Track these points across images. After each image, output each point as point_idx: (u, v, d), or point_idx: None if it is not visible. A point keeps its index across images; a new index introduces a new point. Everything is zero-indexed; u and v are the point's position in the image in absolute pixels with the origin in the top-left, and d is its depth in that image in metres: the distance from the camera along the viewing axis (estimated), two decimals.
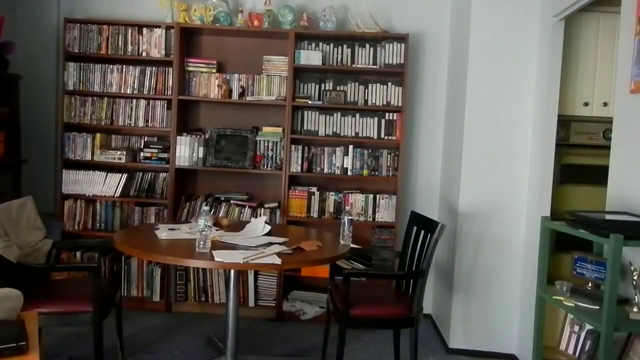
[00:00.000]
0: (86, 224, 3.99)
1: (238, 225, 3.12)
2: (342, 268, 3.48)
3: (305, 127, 3.94)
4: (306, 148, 3.93)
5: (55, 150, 4.10)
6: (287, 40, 3.84)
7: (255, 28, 3.89)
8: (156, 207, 3.99)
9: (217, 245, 2.58)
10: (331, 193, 3.95)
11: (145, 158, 3.97)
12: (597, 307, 1.97)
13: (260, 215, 3.74)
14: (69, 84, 3.93)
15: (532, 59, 3.30)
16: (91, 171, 3.95)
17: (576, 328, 2.17)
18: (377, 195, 3.92)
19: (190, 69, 3.96)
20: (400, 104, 3.86)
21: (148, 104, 3.96)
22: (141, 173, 4.01)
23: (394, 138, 3.90)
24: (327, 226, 3.81)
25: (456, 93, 3.70)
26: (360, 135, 3.93)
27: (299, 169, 3.92)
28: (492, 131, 3.36)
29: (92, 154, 3.97)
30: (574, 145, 3.28)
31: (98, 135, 3.98)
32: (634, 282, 1.89)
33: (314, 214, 3.93)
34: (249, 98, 3.92)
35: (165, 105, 3.95)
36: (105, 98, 3.96)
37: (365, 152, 3.93)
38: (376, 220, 3.92)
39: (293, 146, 3.90)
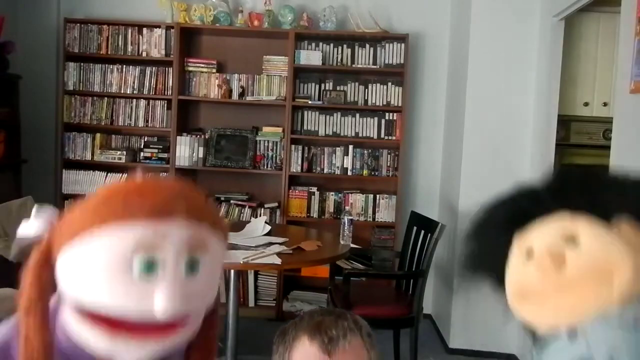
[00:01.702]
0: None
1: (238, 225, 3.12)
2: (342, 268, 3.48)
3: (305, 127, 3.94)
4: (306, 148, 3.93)
5: (55, 150, 4.09)
6: (287, 40, 3.84)
7: (255, 28, 3.89)
8: None
9: None
10: (331, 193, 3.94)
11: (145, 158, 3.97)
12: None
13: (260, 215, 3.74)
14: (69, 84, 3.93)
15: (532, 59, 3.30)
16: (91, 171, 3.95)
17: None
18: (377, 195, 3.91)
19: (190, 69, 3.96)
20: (400, 104, 3.86)
21: (148, 104, 3.96)
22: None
23: (394, 138, 3.90)
24: (327, 226, 3.80)
25: (456, 93, 3.70)
26: (360, 135, 3.92)
27: (299, 169, 3.92)
28: (492, 131, 3.36)
29: (92, 154, 3.97)
30: (574, 145, 3.28)
31: (98, 135, 3.98)
32: None
33: (314, 214, 3.93)
34: (249, 98, 3.92)
35: (165, 105, 3.95)
36: (105, 98, 3.96)
37: (365, 152, 3.93)
38: (376, 220, 3.91)
39: (293, 146, 3.90)
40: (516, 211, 0.95)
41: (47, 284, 0.76)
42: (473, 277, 1.02)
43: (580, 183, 0.90)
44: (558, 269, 0.82)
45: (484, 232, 0.99)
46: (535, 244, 0.87)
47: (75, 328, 0.75)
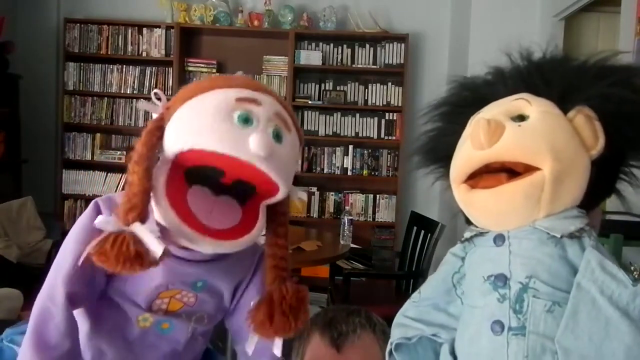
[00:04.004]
0: None
1: None
2: (342, 268, 3.48)
3: (305, 127, 3.93)
4: (306, 148, 3.93)
5: (55, 150, 4.09)
6: (287, 40, 3.84)
7: (255, 28, 3.89)
8: None
9: None
10: (331, 193, 3.95)
11: None
12: None
13: None
14: (69, 84, 3.93)
15: None
16: (91, 171, 3.95)
17: None
18: (377, 195, 3.91)
19: (190, 69, 3.96)
20: (400, 104, 3.86)
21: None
22: None
23: (394, 138, 3.90)
24: (327, 226, 3.80)
25: None
26: (360, 135, 3.93)
27: (299, 169, 3.92)
28: None
29: (92, 154, 3.97)
30: None
31: (98, 135, 3.98)
32: None
33: (314, 214, 3.93)
34: None
35: None
36: (105, 98, 3.96)
37: (365, 152, 3.93)
38: (376, 220, 3.92)
39: None
40: (477, 94, 0.90)
41: (155, 145, 0.88)
42: (426, 161, 1.00)
43: (546, 68, 0.84)
44: (492, 136, 0.75)
45: (442, 112, 0.95)
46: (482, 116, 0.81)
47: (158, 202, 0.84)
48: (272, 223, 0.95)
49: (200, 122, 0.84)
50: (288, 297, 0.91)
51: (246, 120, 0.84)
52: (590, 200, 0.80)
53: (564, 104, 0.78)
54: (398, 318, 0.93)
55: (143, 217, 0.82)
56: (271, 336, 0.93)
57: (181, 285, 0.96)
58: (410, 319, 0.91)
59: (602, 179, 0.80)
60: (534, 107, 0.78)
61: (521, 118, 0.78)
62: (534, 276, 0.75)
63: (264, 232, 0.97)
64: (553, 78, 0.81)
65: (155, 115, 0.92)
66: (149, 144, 0.87)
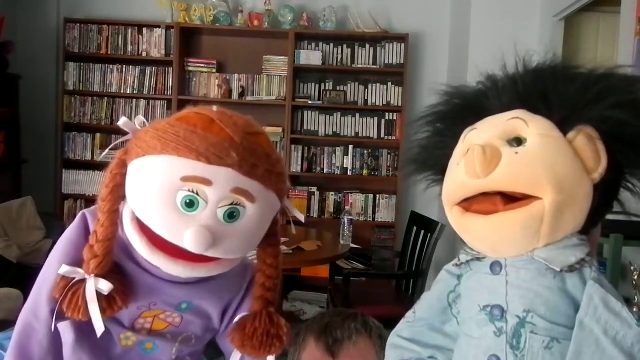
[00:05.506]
0: None
1: None
2: (342, 268, 3.48)
3: (305, 127, 3.94)
4: (306, 148, 3.93)
5: (55, 150, 4.09)
6: (287, 40, 3.84)
7: (255, 28, 3.89)
8: None
9: None
10: (331, 193, 3.94)
11: None
12: None
13: None
14: (69, 84, 3.93)
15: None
16: (91, 171, 3.95)
17: None
18: (377, 195, 3.91)
19: (190, 69, 3.95)
20: (400, 104, 3.86)
21: (148, 104, 3.96)
22: None
23: (394, 138, 3.90)
24: (327, 226, 3.80)
25: None
26: (360, 135, 3.92)
27: (299, 169, 3.92)
28: None
29: (92, 154, 3.97)
30: None
31: (98, 135, 3.98)
32: (634, 282, 1.89)
33: (314, 214, 3.93)
34: (249, 98, 3.92)
35: (165, 105, 3.95)
36: (105, 98, 3.96)
37: (365, 152, 3.92)
38: (376, 220, 3.91)
39: (293, 146, 3.90)
40: (470, 105, 0.85)
41: (119, 185, 0.86)
42: (418, 170, 0.95)
43: (544, 84, 0.79)
44: (488, 166, 0.71)
45: (434, 123, 0.91)
46: (476, 140, 0.76)
47: (127, 229, 0.84)
48: (262, 242, 0.93)
49: (146, 199, 0.81)
50: (259, 332, 0.91)
51: (191, 204, 0.78)
52: (592, 223, 0.77)
53: (564, 124, 0.74)
54: (392, 338, 0.91)
55: (104, 267, 0.85)
56: (253, 357, 0.93)
57: (164, 306, 0.94)
58: (405, 340, 0.89)
59: (604, 201, 0.77)
60: (532, 129, 0.74)
61: (518, 141, 0.74)
62: (531, 310, 0.72)
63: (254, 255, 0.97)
64: (552, 97, 0.76)
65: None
66: (112, 185, 0.86)
